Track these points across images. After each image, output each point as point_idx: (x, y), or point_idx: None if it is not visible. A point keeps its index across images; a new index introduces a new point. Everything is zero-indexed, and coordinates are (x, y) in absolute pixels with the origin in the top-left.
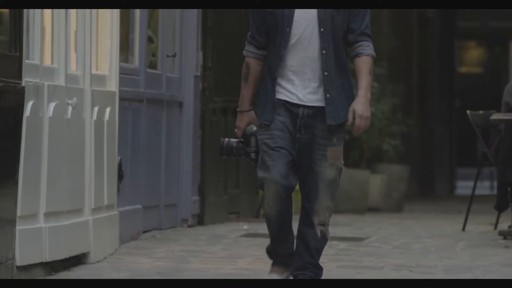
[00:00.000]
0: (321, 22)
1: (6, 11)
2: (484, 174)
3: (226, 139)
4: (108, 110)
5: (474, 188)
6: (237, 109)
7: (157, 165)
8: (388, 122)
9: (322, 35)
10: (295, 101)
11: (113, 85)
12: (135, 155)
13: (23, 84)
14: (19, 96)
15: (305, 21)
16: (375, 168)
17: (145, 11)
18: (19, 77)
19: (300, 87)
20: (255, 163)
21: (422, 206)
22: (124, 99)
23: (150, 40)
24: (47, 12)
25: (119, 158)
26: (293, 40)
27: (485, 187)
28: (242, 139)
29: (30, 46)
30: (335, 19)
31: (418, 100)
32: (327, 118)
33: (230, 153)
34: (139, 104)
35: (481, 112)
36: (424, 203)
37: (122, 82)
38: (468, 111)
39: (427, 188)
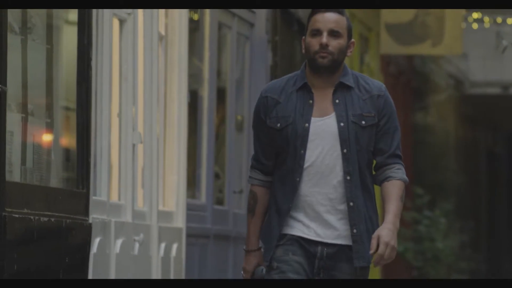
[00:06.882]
0: (343, 142)
1: (74, 147)
2: None
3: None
4: (175, 246)
5: None
6: (244, 248)
7: None
8: (456, 258)
9: (345, 158)
10: (312, 237)
11: (179, 222)
12: None
13: (90, 221)
14: (86, 232)
15: (323, 140)
16: None
17: (213, 147)
18: (86, 213)
19: (318, 220)
20: None
21: None
22: (191, 235)
23: (217, 176)
24: (115, 148)
25: None
26: (307, 163)
27: None
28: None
29: (97, 182)
30: (359, 139)
31: (486, 236)
32: (354, 259)
33: None
34: (205, 240)
35: None
36: None
37: (189, 218)
38: None
39: None
